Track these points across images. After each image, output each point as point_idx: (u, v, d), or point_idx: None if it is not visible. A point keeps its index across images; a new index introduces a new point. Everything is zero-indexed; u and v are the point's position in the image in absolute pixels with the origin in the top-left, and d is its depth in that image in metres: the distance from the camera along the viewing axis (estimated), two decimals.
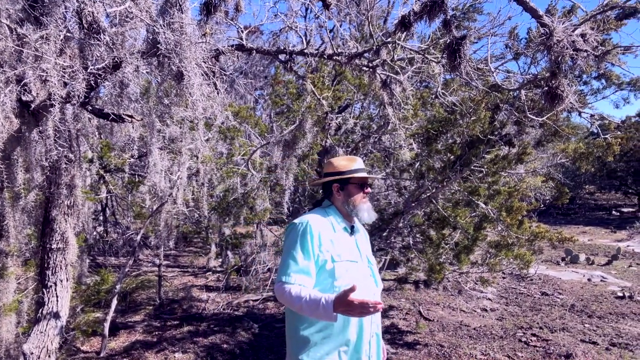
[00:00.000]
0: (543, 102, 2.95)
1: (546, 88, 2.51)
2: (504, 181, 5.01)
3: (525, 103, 3.75)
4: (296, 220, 2.00)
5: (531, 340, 5.32)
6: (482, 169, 4.64)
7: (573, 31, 2.31)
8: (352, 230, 2.08)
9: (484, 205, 4.63)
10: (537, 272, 8.93)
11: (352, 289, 1.64)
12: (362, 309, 1.64)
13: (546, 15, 2.41)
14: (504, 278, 8.62)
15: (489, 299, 7.15)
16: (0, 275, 3.23)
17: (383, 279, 7.07)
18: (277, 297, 1.88)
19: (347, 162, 2.14)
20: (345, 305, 1.66)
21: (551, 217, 18.12)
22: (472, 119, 4.37)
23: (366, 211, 2.07)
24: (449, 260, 4.99)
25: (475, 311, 6.54)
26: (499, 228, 4.81)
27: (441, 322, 6.01)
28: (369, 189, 2.14)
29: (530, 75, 3.36)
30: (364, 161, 6.38)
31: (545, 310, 6.55)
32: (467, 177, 4.69)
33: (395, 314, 6.34)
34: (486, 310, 6.59)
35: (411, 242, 5.21)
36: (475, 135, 4.40)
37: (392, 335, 5.47)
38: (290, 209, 6.66)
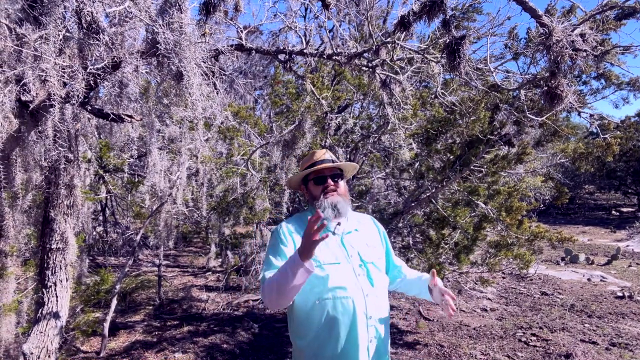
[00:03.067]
0: (542, 102, 2.95)
1: (545, 88, 2.50)
2: (503, 181, 5.01)
3: (524, 103, 3.76)
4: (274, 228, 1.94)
5: (531, 340, 5.32)
6: (482, 169, 4.64)
7: (572, 31, 2.31)
8: (335, 228, 1.89)
9: (483, 205, 4.64)
10: (537, 272, 8.93)
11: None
12: (310, 228, 1.52)
13: (545, 15, 2.41)
14: (503, 278, 8.62)
15: (489, 299, 7.15)
16: (0, 275, 3.23)
17: None
18: (264, 300, 1.74)
19: (307, 159, 1.98)
20: (302, 243, 1.56)
21: (551, 217, 18.12)
22: (471, 118, 4.38)
23: (329, 206, 1.87)
24: (448, 260, 4.99)
25: (475, 311, 6.54)
26: (499, 228, 4.82)
27: (441, 322, 6.01)
28: (330, 182, 1.91)
29: (530, 75, 3.36)
30: (363, 161, 6.39)
31: (545, 310, 6.55)
32: (466, 177, 4.70)
33: (395, 313, 6.34)
34: (486, 310, 6.59)
35: (411, 242, 5.21)
36: (474, 135, 4.40)
37: (392, 335, 5.48)
38: (290, 208, 6.66)
